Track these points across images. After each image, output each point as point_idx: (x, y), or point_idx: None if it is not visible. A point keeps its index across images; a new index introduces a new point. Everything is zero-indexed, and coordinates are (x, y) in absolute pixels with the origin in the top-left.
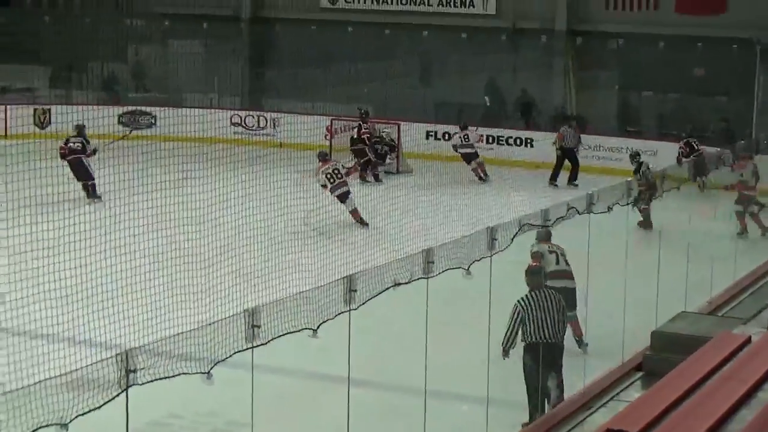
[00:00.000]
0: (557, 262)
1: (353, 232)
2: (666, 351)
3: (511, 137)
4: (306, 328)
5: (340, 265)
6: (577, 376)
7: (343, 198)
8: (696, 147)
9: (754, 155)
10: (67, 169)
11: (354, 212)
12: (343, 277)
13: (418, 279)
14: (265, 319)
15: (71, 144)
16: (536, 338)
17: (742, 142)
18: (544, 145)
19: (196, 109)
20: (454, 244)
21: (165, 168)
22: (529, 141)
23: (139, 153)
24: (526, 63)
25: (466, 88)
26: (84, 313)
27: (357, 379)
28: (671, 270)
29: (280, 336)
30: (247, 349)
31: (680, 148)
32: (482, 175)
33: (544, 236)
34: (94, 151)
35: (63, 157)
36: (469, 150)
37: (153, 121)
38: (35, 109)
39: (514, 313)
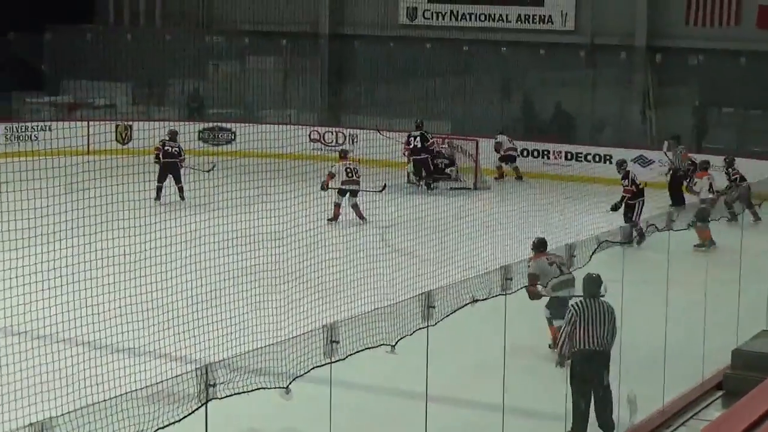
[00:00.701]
0: (561, 272)
1: (430, 248)
2: (747, 369)
3: (589, 154)
4: (384, 344)
5: (418, 282)
6: (656, 395)
7: (354, 193)
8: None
9: None
10: (151, 185)
11: (355, 206)
12: (422, 293)
13: (496, 295)
14: (344, 334)
15: (167, 148)
16: (586, 345)
17: None
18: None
19: (275, 125)
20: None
21: (244, 184)
22: (608, 158)
23: (220, 169)
24: (605, 79)
25: (545, 104)
26: (165, 327)
27: (435, 395)
28: (752, 288)
29: (359, 351)
30: (326, 364)
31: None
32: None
33: (539, 246)
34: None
35: (158, 158)
36: (513, 153)
37: (233, 137)
38: (117, 125)
39: (568, 315)
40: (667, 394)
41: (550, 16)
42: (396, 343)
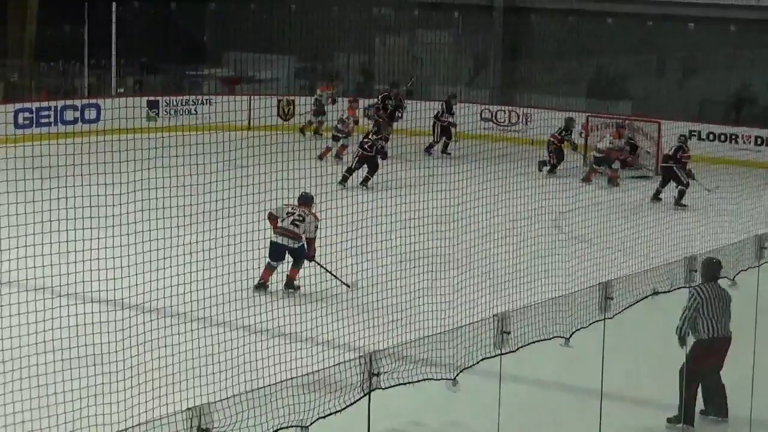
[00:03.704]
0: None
1: (608, 236)
2: None
3: None
4: (558, 337)
5: (596, 271)
6: None
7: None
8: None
9: None
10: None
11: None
12: (599, 284)
13: (678, 288)
14: (515, 325)
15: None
16: (708, 333)
17: None
18: None
19: (444, 103)
20: (719, 252)
21: (411, 164)
22: None
23: (390, 147)
24: None
25: (734, 84)
26: (326, 312)
27: (610, 393)
28: None
29: (530, 344)
30: (496, 356)
31: None
32: None
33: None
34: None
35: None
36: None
37: (400, 114)
38: (279, 100)
39: (691, 300)
40: None
41: None
42: (570, 335)
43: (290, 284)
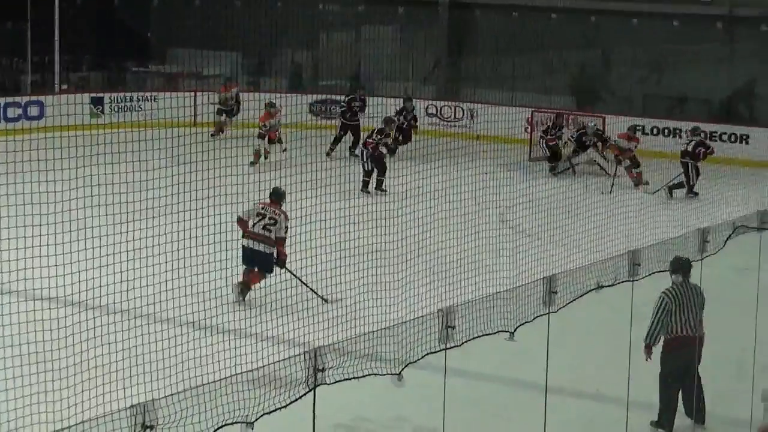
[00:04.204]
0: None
1: (554, 230)
2: None
3: (725, 133)
4: (502, 331)
5: (539, 266)
6: None
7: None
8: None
9: None
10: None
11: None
12: (543, 278)
13: (622, 282)
14: (460, 320)
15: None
16: (680, 332)
17: None
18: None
19: (389, 99)
20: (661, 246)
21: (355, 160)
22: (744, 138)
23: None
24: (744, 53)
25: (678, 80)
26: (271, 309)
27: (555, 386)
28: None
29: (475, 338)
30: (440, 350)
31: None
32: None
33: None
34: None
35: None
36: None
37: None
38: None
39: (660, 305)
40: None
41: None
42: (515, 329)
43: (244, 289)
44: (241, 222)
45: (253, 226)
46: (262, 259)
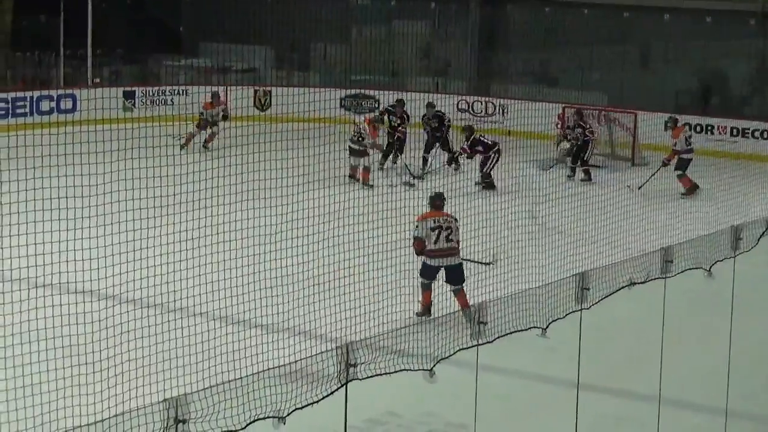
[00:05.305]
0: (447, 240)
1: (585, 227)
2: None
3: (757, 130)
4: (534, 327)
5: (572, 262)
6: None
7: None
8: None
9: None
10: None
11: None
12: (575, 275)
13: (655, 279)
14: (492, 316)
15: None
16: None
17: None
18: None
19: (421, 94)
20: (694, 243)
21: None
22: None
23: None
24: None
25: (711, 75)
26: (304, 303)
27: (587, 383)
28: None
29: (507, 334)
30: (472, 347)
31: None
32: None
33: (433, 203)
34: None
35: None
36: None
37: (376, 105)
38: (256, 91)
39: None
40: None
41: None
42: (547, 326)
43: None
44: (419, 242)
45: (435, 242)
46: (459, 273)
